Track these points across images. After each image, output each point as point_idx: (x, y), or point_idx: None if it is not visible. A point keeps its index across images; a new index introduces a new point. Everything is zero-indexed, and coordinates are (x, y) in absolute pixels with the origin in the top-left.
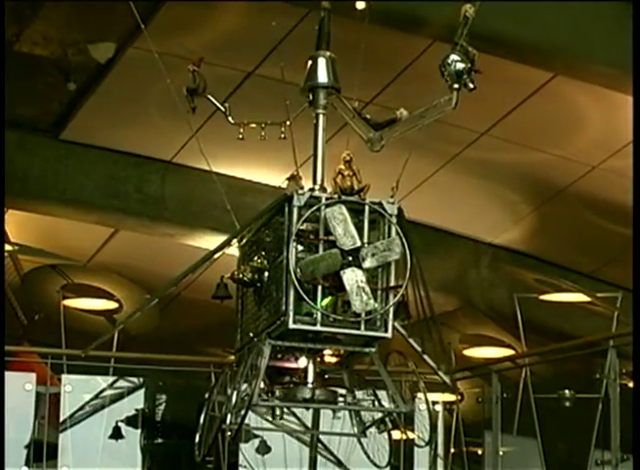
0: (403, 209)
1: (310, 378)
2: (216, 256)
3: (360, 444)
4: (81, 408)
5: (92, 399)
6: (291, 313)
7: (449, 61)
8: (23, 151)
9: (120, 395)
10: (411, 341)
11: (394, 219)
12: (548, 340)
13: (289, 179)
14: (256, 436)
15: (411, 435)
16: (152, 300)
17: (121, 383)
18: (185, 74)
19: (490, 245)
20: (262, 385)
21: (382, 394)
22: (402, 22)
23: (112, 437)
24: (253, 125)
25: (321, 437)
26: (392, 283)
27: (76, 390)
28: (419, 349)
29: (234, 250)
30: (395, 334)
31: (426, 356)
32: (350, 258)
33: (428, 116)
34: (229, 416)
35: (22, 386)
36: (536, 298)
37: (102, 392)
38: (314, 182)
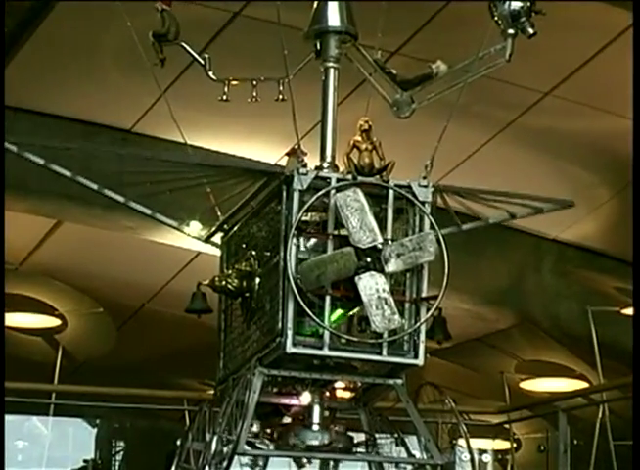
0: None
1: (316, 419)
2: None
3: None
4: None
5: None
6: (289, 333)
7: None
8: None
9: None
10: None
11: (428, 208)
12: (632, 368)
13: (288, 154)
14: None
15: None
16: None
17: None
18: (151, 16)
19: (556, 241)
20: (252, 427)
21: (411, 440)
22: None
23: None
24: (235, 83)
25: None
26: (425, 293)
27: (6, 435)
28: None
29: (215, 248)
30: (430, 361)
31: None
32: (369, 260)
33: (473, 70)
34: (207, 469)
35: None
36: (617, 312)
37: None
38: (322, 158)
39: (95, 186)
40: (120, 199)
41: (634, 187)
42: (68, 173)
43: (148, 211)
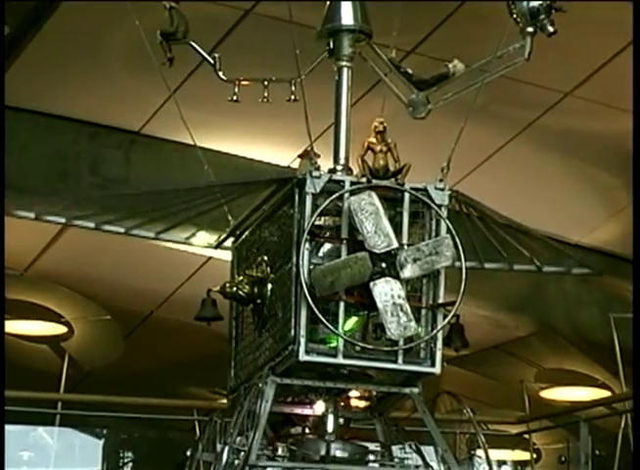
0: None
1: (330, 429)
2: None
3: None
4: None
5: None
6: (302, 341)
7: None
8: None
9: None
10: None
11: (445, 212)
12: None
13: (301, 157)
14: None
15: None
16: None
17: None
18: (159, 13)
19: (577, 246)
20: (264, 438)
21: (428, 450)
22: None
23: None
24: (246, 83)
25: None
26: (442, 299)
27: (11, 445)
28: None
29: (225, 253)
30: (447, 369)
31: None
32: (384, 265)
33: (491, 70)
34: None
35: None
36: None
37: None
38: (335, 161)
39: (92, 224)
40: (120, 230)
41: (634, 187)
42: (62, 220)
43: (152, 234)
